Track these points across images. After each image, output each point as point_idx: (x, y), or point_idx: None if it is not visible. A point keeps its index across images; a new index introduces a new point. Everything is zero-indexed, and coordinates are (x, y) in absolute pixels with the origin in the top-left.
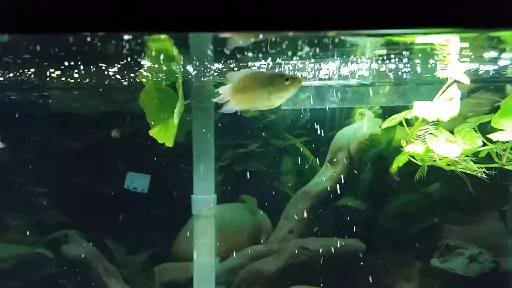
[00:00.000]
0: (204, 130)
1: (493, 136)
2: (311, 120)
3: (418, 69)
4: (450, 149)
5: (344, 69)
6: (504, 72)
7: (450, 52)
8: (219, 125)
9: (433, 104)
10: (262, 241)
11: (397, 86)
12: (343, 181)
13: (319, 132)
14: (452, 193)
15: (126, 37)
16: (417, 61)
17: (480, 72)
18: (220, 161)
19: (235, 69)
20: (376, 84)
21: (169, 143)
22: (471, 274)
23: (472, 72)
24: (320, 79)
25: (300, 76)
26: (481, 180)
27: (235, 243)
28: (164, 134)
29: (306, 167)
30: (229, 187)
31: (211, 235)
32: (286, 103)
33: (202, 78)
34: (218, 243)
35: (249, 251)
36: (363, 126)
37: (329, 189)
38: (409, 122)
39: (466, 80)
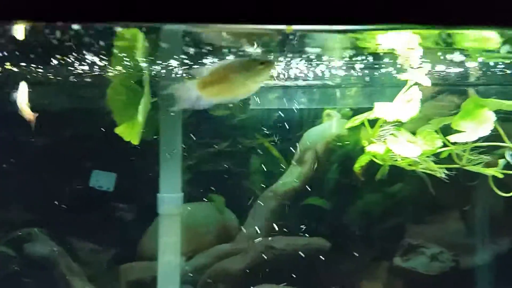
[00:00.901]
0: (171, 128)
1: (452, 138)
2: (279, 120)
3: (383, 71)
4: (409, 150)
5: (311, 70)
6: (468, 76)
7: (411, 54)
8: (188, 124)
9: (393, 105)
10: (228, 240)
11: (364, 88)
12: (309, 181)
13: (287, 132)
14: (415, 193)
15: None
16: (383, 62)
17: (444, 75)
18: (188, 160)
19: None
20: (343, 85)
21: (135, 141)
22: (432, 272)
23: (437, 75)
24: (288, 79)
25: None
26: (443, 181)
27: (201, 242)
28: (130, 131)
29: (274, 166)
30: (197, 186)
31: (176, 234)
32: (255, 103)
33: (170, 76)
34: (184, 242)
35: (216, 250)
36: (331, 127)
37: (296, 189)
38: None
39: (427, 82)
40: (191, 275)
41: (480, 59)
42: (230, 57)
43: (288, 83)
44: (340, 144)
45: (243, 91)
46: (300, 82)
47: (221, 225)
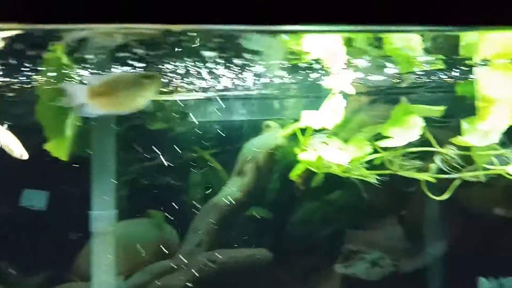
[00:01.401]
0: (104, 143)
1: (381, 144)
2: (219, 133)
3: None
4: (339, 156)
5: (247, 80)
6: (401, 83)
7: (335, 61)
8: (123, 137)
9: (320, 113)
10: (169, 256)
11: (301, 99)
12: (251, 192)
13: (227, 144)
14: (354, 200)
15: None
16: (316, 69)
17: (378, 83)
18: (124, 175)
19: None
20: (282, 97)
21: (63, 157)
22: (373, 278)
23: (371, 84)
24: (220, 90)
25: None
26: (383, 187)
27: (140, 259)
28: (58, 147)
29: (215, 179)
30: (134, 202)
31: (110, 253)
32: (194, 115)
33: None
34: (121, 260)
35: (155, 267)
36: (270, 137)
37: (237, 200)
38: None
39: (351, 90)
40: None
41: (410, 67)
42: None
43: (228, 93)
44: (280, 154)
45: (130, 105)
46: (239, 93)
47: (160, 241)
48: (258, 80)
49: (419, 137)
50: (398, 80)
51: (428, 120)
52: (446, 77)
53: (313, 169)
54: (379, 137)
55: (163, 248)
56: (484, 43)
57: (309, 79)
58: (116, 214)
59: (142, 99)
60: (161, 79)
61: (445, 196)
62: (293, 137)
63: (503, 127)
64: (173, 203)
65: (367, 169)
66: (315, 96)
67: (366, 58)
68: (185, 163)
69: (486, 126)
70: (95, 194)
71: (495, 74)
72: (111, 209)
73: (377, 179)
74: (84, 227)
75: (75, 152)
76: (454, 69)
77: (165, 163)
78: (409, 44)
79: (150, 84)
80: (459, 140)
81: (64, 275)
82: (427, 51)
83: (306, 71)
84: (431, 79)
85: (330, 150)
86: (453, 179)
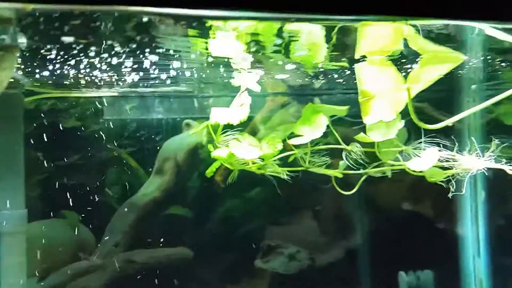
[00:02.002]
0: (10, 141)
1: (291, 141)
2: (136, 131)
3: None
4: (249, 152)
5: (164, 76)
6: (313, 84)
7: (240, 61)
8: (32, 136)
9: (228, 110)
10: (84, 258)
11: (219, 98)
12: (170, 191)
13: (145, 143)
14: (271, 197)
15: None
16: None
17: (292, 84)
18: (36, 174)
19: None
20: (199, 95)
21: None
22: (291, 272)
23: (287, 85)
24: (134, 86)
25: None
26: (297, 184)
27: (54, 261)
28: None
29: (133, 178)
30: (47, 202)
31: (21, 254)
32: (110, 113)
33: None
34: (35, 262)
35: (71, 268)
36: (190, 136)
37: (156, 199)
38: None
39: (256, 88)
40: None
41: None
42: None
43: (145, 90)
44: (200, 152)
45: None
46: (157, 89)
47: (76, 242)
48: (175, 77)
49: (329, 136)
50: (313, 81)
51: (340, 119)
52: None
53: (229, 167)
54: (293, 135)
55: (79, 249)
56: (362, 38)
57: (224, 77)
58: (27, 214)
59: (3, 72)
60: (16, 49)
61: (352, 191)
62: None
63: (390, 122)
64: (89, 203)
65: (282, 166)
66: (232, 94)
67: (275, 58)
68: (101, 162)
69: (369, 121)
70: (3, 193)
71: (373, 69)
72: (21, 208)
73: (293, 176)
74: None
75: None
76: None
77: (79, 161)
78: (314, 41)
79: (4, 56)
80: (362, 137)
81: None
82: (334, 47)
83: (220, 68)
84: (343, 78)
85: (242, 147)
86: (361, 175)
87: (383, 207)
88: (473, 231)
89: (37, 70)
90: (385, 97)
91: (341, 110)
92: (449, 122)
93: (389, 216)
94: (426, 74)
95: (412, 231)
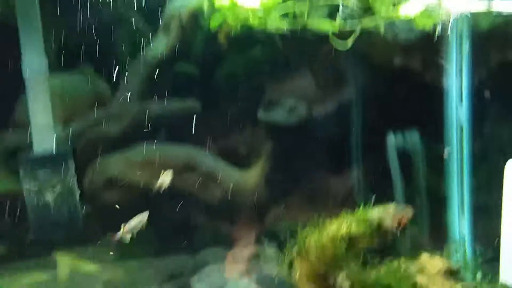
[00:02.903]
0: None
1: None
2: None
3: None
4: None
5: None
6: None
7: None
8: None
9: None
10: (102, 107)
11: None
12: (176, 48)
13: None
14: (272, 54)
15: None
16: None
17: None
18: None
19: None
20: None
21: None
22: (291, 122)
23: None
24: None
25: None
26: (297, 42)
27: (75, 109)
28: None
29: (140, 36)
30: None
31: (45, 99)
32: None
33: None
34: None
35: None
36: None
37: (165, 55)
38: None
39: None
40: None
41: None
42: None
43: None
44: (205, 12)
45: None
46: None
47: (93, 94)
48: None
49: None
50: None
51: None
52: None
53: (230, 21)
54: None
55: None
56: None
57: None
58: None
59: None
60: None
61: (348, 45)
62: None
63: None
64: (103, 59)
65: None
66: None
67: None
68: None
69: None
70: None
71: None
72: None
73: (292, 31)
74: None
75: None
76: None
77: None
78: None
79: None
80: None
81: None
82: None
83: None
84: None
85: None
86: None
87: (376, 63)
88: (457, 82)
89: None
90: None
91: None
92: None
93: (380, 71)
94: None
95: (401, 85)
